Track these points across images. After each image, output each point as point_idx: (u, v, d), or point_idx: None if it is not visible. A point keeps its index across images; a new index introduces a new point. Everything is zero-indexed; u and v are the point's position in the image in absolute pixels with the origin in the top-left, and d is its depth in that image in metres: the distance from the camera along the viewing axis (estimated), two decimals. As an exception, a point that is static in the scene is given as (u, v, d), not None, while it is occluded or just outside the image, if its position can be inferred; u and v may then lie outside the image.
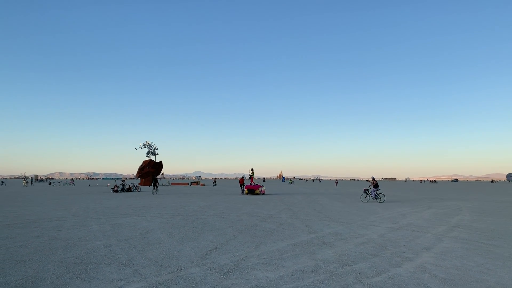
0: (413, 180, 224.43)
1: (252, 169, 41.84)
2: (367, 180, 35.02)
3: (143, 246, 10.36)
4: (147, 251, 9.67)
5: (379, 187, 29.79)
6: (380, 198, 29.20)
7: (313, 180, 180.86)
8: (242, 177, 45.14)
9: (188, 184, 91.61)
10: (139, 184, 78.76)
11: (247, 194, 39.97)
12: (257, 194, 39.89)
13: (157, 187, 44.96)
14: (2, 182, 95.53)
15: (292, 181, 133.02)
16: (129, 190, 48.63)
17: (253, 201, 28.87)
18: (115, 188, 47.58)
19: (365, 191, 30.42)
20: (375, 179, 29.31)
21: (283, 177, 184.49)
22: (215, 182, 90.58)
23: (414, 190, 64.66)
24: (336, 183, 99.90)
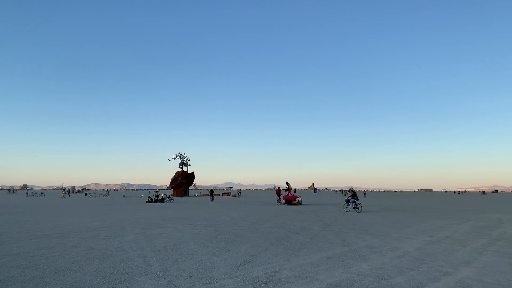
0: (460, 192, 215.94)
1: (287, 183, 43.33)
2: (347, 191, 37.98)
3: (176, 257, 10.45)
4: (180, 262, 9.75)
5: (357, 197, 31.71)
6: (358, 208, 31.09)
7: (342, 191, 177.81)
8: (279, 188, 46.09)
9: (219, 195, 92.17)
10: (172, 194, 79.85)
11: (284, 204, 41.61)
12: (294, 204, 41.41)
13: (213, 197, 51.65)
14: (42, 193, 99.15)
15: (345, 193, 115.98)
16: (162, 200, 49.43)
17: (284, 213, 28.69)
18: (149, 199, 48.47)
19: (347, 201, 31.97)
20: (353, 190, 32.39)
21: (315, 188, 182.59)
22: (240, 192, 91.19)
23: (451, 201, 62.49)
24: (365, 194, 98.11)
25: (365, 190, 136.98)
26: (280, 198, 43.96)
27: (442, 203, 53.08)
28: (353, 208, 30.96)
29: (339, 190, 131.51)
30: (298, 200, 42.20)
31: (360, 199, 70.42)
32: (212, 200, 51.54)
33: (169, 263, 9.53)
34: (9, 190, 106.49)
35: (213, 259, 10.10)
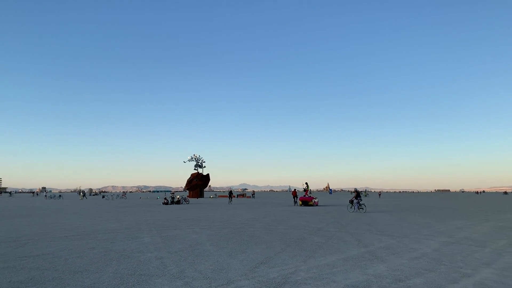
0: (478, 192, 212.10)
1: (306, 183, 43.75)
2: (366, 192, 39.10)
3: (193, 258, 10.52)
4: (197, 263, 9.81)
5: (361, 198, 31.92)
6: (362, 208, 31.45)
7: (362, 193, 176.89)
8: (295, 190, 47.06)
9: (235, 196, 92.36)
10: (187, 196, 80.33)
11: (301, 205, 42.14)
12: (311, 205, 41.89)
13: (232, 198, 54.44)
14: (60, 195, 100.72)
15: (366, 193, 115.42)
16: (178, 202, 49.77)
17: (300, 214, 28.60)
18: (165, 201, 48.84)
19: (351, 201, 32.30)
20: (357, 190, 32.78)
21: (330, 189, 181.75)
22: (254, 194, 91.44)
23: (469, 202, 61.46)
24: (379, 194, 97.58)
25: (380, 190, 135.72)
26: (296, 200, 44.49)
27: (460, 204, 52.21)
28: (358, 208, 31.24)
29: (363, 191, 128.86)
30: (315, 201, 42.61)
31: (375, 200, 69.88)
32: (231, 202, 53.26)
33: (185, 264, 9.59)
34: (33, 193, 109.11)
35: (229, 260, 10.14)
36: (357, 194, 31.80)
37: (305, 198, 42.53)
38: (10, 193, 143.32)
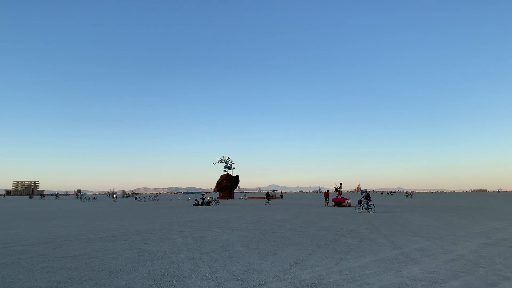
0: None
1: (340, 183, 44.00)
2: (410, 194, 38.92)
3: (224, 259, 10.58)
4: (228, 264, 9.86)
5: (370, 198, 32.36)
6: (371, 208, 31.83)
7: (387, 193, 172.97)
8: (327, 191, 47.06)
9: (272, 197, 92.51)
10: (217, 197, 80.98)
11: (333, 206, 42.11)
12: (344, 206, 41.59)
13: (269, 199, 54.86)
14: (94, 197, 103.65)
15: (407, 194, 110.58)
16: (208, 203, 50.25)
17: (331, 215, 28.31)
18: (196, 202, 49.42)
19: (359, 202, 32.53)
20: (367, 191, 34.08)
21: (361, 190, 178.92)
22: (282, 195, 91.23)
23: (507, 202, 59.16)
24: (411, 195, 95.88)
25: (412, 191, 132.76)
26: (328, 201, 44.45)
27: (497, 204, 50.34)
28: (366, 208, 31.79)
29: (404, 192, 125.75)
30: (348, 202, 42.28)
31: (406, 201, 68.47)
32: (268, 202, 54.32)
33: (217, 266, 9.66)
34: (77, 195, 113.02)
35: (260, 262, 10.13)
36: (367, 195, 32.47)
37: (338, 199, 42.36)
38: (56, 195, 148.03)
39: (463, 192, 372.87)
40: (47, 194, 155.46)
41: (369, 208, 31.73)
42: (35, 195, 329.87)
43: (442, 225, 20.13)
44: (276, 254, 11.34)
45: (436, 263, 9.89)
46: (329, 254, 11.40)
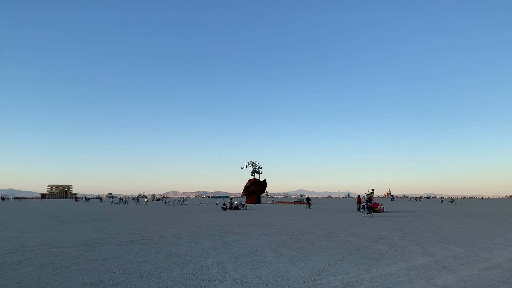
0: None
1: (372, 189, 42.66)
2: (453, 199, 38.42)
3: (253, 264, 10.58)
4: (257, 269, 9.85)
5: (370, 204, 34.07)
6: (370, 213, 33.75)
7: (416, 199, 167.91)
8: (359, 196, 46.44)
9: (291, 202, 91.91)
10: (245, 202, 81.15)
11: None
12: (377, 211, 41.59)
13: (310, 204, 56.33)
14: (125, 201, 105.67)
15: (452, 200, 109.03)
16: (236, 208, 50.44)
17: (360, 221, 27.87)
18: (224, 206, 49.69)
19: (363, 207, 34.30)
20: (369, 196, 34.64)
21: (392, 196, 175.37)
22: (310, 201, 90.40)
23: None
24: (442, 200, 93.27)
25: (442, 197, 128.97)
26: (359, 206, 44.13)
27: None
28: (367, 213, 33.81)
29: (449, 198, 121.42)
30: (380, 208, 42.30)
31: (437, 206, 66.82)
32: (309, 207, 55.77)
33: (246, 270, 9.66)
34: (119, 198, 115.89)
35: (289, 267, 10.07)
36: (369, 199, 33.94)
37: (371, 205, 41.68)
38: (100, 199, 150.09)
39: (498, 198, 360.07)
40: (85, 198, 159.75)
41: (369, 213, 33.71)
42: (69, 198, 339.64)
43: (477, 232, 19.47)
44: (305, 260, 11.24)
45: (471, 272, 9.56)
46: (359, 260, 11.22)
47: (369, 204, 33.78)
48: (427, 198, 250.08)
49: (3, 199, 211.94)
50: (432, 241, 15.76)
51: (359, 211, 42.59)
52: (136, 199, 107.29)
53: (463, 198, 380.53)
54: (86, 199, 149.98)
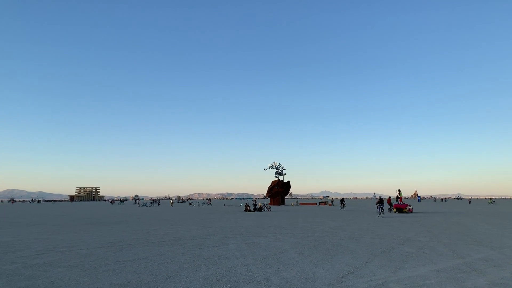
0: None
1: (399, 190, 44.92)
2: (492, 200, 38.51)
3: (278, 266, 10.55)
4: (282, 271, 9.82)
5: (383, 204, 35.82)
6: (382, 214, 35.36)
7: (442, 199, 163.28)
8: (389, 197, 46.72)
9: (316, 204, 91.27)
10: (269, 203, 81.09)
11: (395, 212, 42.23)
12: (405, 212, 42.12)
13: (344, 205, 56.94)
14: (151, 203, 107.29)
15: (492, 201, 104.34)
16: (260, 209, 50.44)
17: (386, 223, 27.42)
18: (247, 208, 49.76)
19: (378, 207, 35.50)
20: (381, 198, 37.58)
21: (419, 196, 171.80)
22: (333, 201, 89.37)
23: None
24: (470, 201, 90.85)
25: (470, 197, 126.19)
26: (390, 207, 44.64)
27: None
28: (379, 214, 35.37)
29: (489, 198, 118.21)
30: (409, 209, 42.59)
31: (464, 207, 65.40)
32: (343, 208, 56.88)
33: (271, 272, 9.65)
34: (154, 200, 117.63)
35: (315, 269, 10.00)
36: (380, 200, 36.01)
37: (399, 205, 42.68)
38: (137, 201, 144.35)
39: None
40: (120, 200, 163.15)
41: (381, 214, 35.26)
42: (97, 200, 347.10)
43: (508, 233, 18.86)
44: (331, 262, 11.14)
45: (503, 275, 9.27)
46: (386, 262, 11.04)
47: (381, 205, 35.25)
48: (457, 198, 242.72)
49: (39, 201, 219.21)
50: (461, 243, 15.36)
51: (391, 211, 42.89)
52: (158, 201, 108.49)
53: (505, 198, 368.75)
54: (121, 201, 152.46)
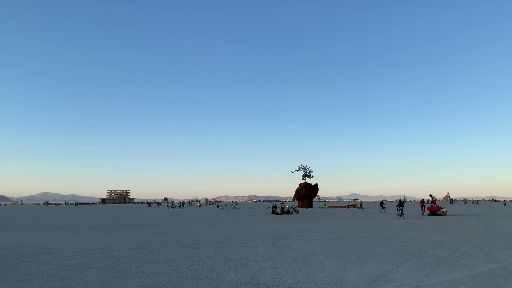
0: None
1: (431, 195, 45.87)
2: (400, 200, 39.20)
3: (307, 269, 10.48)
4: (312, 274, 9.75)
5: (403, 206, 37.76)
6: (402, 215, 37.09)
7: (473, 202, 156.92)
8: (422, 200, 47.89)
9: (345, 207, 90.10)
10: (296, 206, 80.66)
11: (428, 214, 42.78)
12: (439, 214, 42.12)
13: (384, 207, 56.91)
14: (180, 205, 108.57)
15: None
16: (288, 212, 50.25)
17: (418, 226, 26.77)
18: (275, 211, 49.66)
19: (398, 209, 37.42)
20: (401, 200, 40.31)
21: (451, 199, 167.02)
22: (362, 204, 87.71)
23: None
24: (505, 203, 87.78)
25: (505, 200, 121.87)
26: (424, 210, 45.43)
27: None
28: (399, 215, 37.12)
29: (466, 201, 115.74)
30: (443, 211, 42.85)
31: (499, 209, 63.65)
32: (383, 210, 56.71)
33: (300, 276, 9.59)
34: (188, 202, 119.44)
35: (344, 273, 9.88)
36: (400, 203, 37.86)
37: (433, 208, 42.77)
38: (172, 203, 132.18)
39: None
40: (157, 203, 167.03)
41: (401, 216, 37.00)
42: (128, 203, 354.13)
43: (549, 238, 18.08)
44: (361, 266, 10.98)
45: (543, 281, 8.89)
46: (417, 266, 10.78)
47: (401, 207, 37.27)
48: (495, 201, 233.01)
49: (76, 204, 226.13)
50: (497, 247, 14.84)
51: (423, 214, 43.12)
52: (182, 204, 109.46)
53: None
54: (158, 203, 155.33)
